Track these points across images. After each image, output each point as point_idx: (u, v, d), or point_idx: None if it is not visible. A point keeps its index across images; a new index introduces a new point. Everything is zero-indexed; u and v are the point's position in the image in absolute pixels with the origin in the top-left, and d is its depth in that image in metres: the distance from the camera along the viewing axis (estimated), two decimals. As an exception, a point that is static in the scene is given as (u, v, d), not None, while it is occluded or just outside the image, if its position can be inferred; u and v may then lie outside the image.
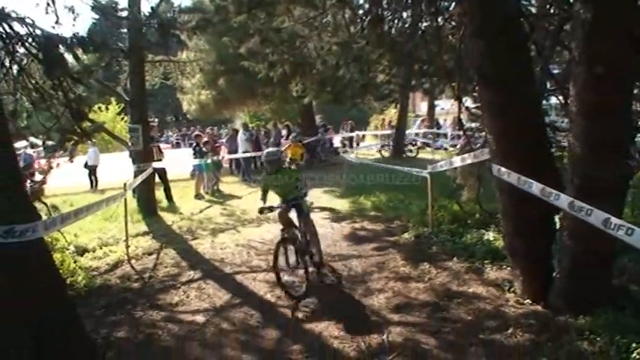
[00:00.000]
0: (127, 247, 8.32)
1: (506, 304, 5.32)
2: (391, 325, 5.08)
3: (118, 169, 14.86)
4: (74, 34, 8.91)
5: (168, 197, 13.25)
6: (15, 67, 7.01)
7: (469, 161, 6.71)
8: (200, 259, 8.08)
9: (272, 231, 9.56)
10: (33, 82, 7.25)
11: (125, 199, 8.39)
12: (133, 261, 8.06)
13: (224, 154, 17.60)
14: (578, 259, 4.64)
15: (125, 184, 8.35)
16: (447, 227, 8.38)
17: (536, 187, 4.61)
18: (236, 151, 18.10)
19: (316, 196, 13.41)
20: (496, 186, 5.50)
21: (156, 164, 12.66)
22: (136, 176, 10.72)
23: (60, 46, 8.63)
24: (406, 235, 8.54)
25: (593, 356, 4.11)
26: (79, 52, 7.84)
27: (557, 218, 4.81)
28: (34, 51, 6.82)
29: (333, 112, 32.19)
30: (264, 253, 8.12)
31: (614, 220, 3.62)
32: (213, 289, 6.58)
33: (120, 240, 9.22)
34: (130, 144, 11.33)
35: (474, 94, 8.69)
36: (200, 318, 5.57)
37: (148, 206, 11.37)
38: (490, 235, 7.69)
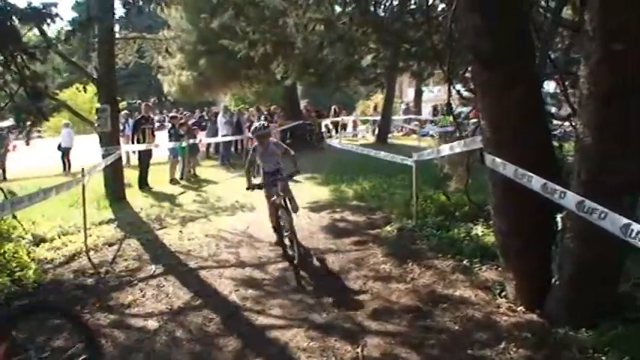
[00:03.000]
0: (86, 237, 7.62)
1: (498, 312, 4.73)
2: (368, 335, 4.47)
3: (94, 151, 13.94)
4: (29, 4, 8.15)
5: (144, 182, 12.56)
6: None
7: (458, 150, 6.09)
8: (164, 251, 7.42)
9: (246, 220, 8.97)
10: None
11: (83, 186, 7.66)
12: (91, 253, 7.37)
13: (201, 138, 16.79)
14: (582, 266, 4.05)
15: (83, 170, 7.61)
16: (433, 220, 7.79)
17: (536, 182, 3.99)
18: (215, 135, 17.34)
19: (296, 183, 12.80)
20: (489, 178, 4.88)
21: (144, 147, 12.00)
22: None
23: (13, 17, 7.87)
24: (388, 228, 7.94)
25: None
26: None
27: (559, 217, 4.19)
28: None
29: (320, 97, 31.45)
30: (234, 245, 7.50)
31: (636, 227, 3.00)
32: (173, 287, 5.92)
33: (82, 228, 8.56)
34: (96, 125, 10.55)
35: (466, 75, 8.11)
36: (153, 323, 4.91)
37: (115, 191, 10.64)
38: (479, 230, 7.14)
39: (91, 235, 8.17)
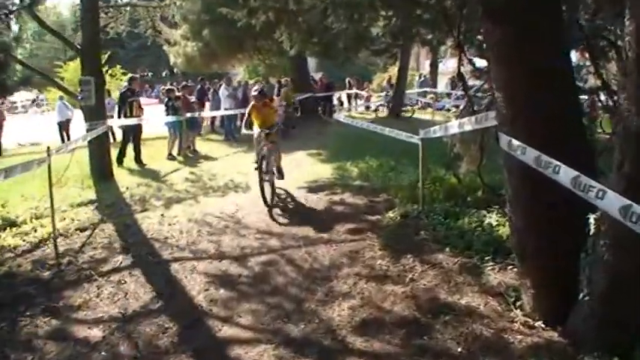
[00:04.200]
0: (54, 223, 6.85)
1: (511, 328, 3.86)
2: (349, 357, 3.65)
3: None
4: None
5: (138, 159, 11.82)
6: None
7: (468, 128, 5.14)
8: (139, 238, 6.68)
9: (236, 202, 8.16)
10: None
11: (49, 166, 6.86)
12: (60, 239, 6.63)
13: (200, 111, 15.85)
14: (619, 279, 3.16)
15: (48, 148, 6.81)
16: (441, 206, 6.91)
17: (565, 175, 3.08)
18: (218, 108, 16.47)
19: (298, 160, 12.00)
20: (504, 164, 3.97)
21: (132, 121, 11.23)
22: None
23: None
24: (391, 214, 7.06)
25: None
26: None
27: (591, 218, 3.26)
28: None
29: (335, 70, 30.19)
30: (217, 233, 6.71)
31: None
32: (135, 284, 5.16)
33: (58, 210, 7.85)
34: (80, 98, 9.75)
35: (479, 40, 7.13)
36: (96, 333, 4.14)
37: (101, 169, 9.89)
38: (492, 219, 6.24)
39: (64, 219, 7.51)
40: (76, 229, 7.04)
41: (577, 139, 3.69)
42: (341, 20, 10.49)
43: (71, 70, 23.76)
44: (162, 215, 7.58)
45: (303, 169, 10.86)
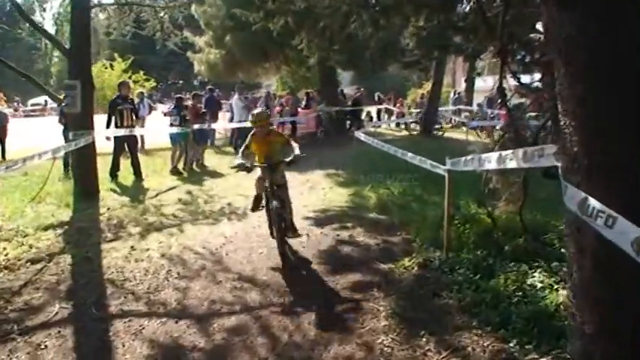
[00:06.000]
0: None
1: None
2: None
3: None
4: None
5: (137, 172, 10.74)
6: None
7: (512, 165, 3.69)
8: (93, 278, 5.45)
9: (226, 234, 6.91)
10: None
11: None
12: (3, 273, 5.52)
13: (210, 122, 14.68)
14: None
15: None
16: (470, 255, 5.47)
17: None
18: (231, 120, 15.34)
19: (313, 181, 10.72)
20: (570, 232, 2.55)
21: (125, 131, 10.16)
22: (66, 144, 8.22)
23: None
24: (407, 262, 5.65)
25: None
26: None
27: None
28: None
29: (372, 85, 28.85)
30: (189, 276, 5.44)
31: None
32: (58, 351, 3.90)
33: (19, 234, 6.80)
34: (63, 104, 8.67)
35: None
36: None
37: (85, 185, 8.76)
38: (536, 278, 4.85)
39: (21, 245, 6.40)
40: (28, 261, 5.87)
41: None
42: (366, 26, 9.18)
43: (93, 75, 22.98)
44: (132, 248, 6.34)
45: (314, 194, 9.56)
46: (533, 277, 4.88)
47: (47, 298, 4.91)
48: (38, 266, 5.74)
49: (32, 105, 38.68)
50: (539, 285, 4.71)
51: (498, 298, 4.49)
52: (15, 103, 38.30)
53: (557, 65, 2.34)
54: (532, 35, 5.21)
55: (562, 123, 2.37)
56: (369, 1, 8.85)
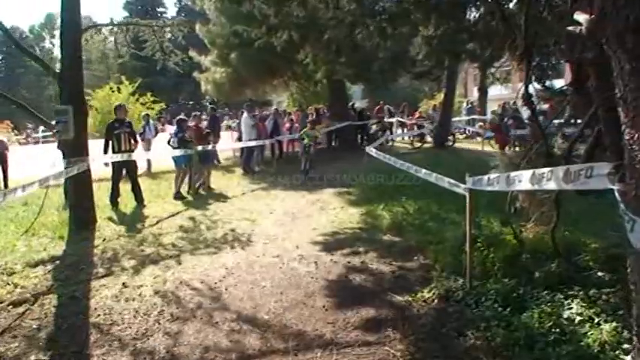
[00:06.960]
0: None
1: None
2: None
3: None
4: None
5: (138, 199, 10.28)
6: None
7: (551, 186, 3.06)
8: (78, 322, 4.90)
9: (227, 265, 6.38)
10: None
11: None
12: (-17, 316, 5.02)
13: (214, 143, 14.16)
14: None
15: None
16: (498, 284, 4.84)
17: None
18: (240, 140, 14.88)
19: (323, 201, 10.20)
20: (638, 277, 1.95)
21: (123, 156, 9.71)
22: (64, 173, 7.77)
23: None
24: (426, 293, 5.05)
25: None
26: None
27: None
28: None
29: (384, 97, 28.26)
30: (183, 317, 4.88)
31: None
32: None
33: (5, 272, 6.33)
34: (55, 130, 8.24)
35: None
36: None
37: (80, 216, 8.26)
38: (574, 310, 4.21)
39: (7, 285, 5.90)
40: (10, 304, 5.37)
41: None
42: (373, 36, 8.69)
43: (100, 98, 22.68)
44: (123, 284, 5.79)
45: (324, 215, 9.00)
46: (571, 308, 4.27)
47: (24, 348, 4.39)
48: (20, 309, 5.23)
49: (42, 131, 38.66)
50: (578, 318, 4.09)
51: (533, 337, 3.87)
52: (28, 131, 38.39)
53: (615, 60, 1.76)
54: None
55: (627, 137, 1.79)
56: (375, 10, 8.36)
